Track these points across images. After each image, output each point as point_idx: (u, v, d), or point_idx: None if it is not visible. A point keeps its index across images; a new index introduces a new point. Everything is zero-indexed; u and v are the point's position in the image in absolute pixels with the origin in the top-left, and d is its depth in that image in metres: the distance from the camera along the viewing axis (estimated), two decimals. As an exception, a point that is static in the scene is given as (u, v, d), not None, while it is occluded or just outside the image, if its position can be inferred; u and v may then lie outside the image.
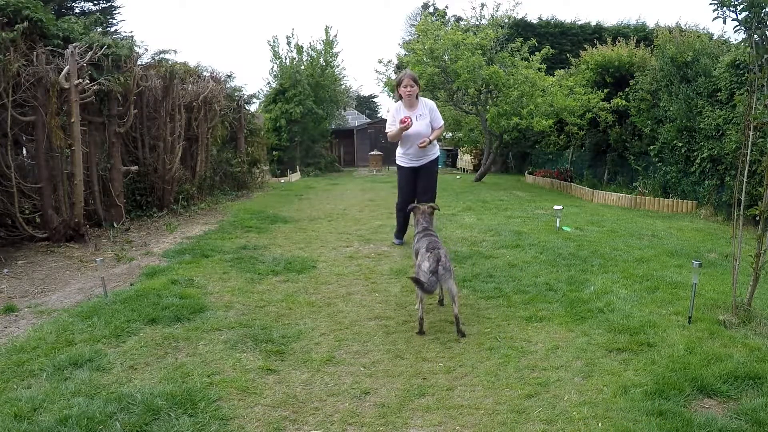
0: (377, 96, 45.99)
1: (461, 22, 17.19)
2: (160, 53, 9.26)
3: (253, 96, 18.48)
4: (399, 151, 6.00)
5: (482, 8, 15.34)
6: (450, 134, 19.57)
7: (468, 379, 2.95)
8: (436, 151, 5.99)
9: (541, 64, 13.89)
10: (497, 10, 14.97)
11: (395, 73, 16.71)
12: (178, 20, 73.37)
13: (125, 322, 3.65)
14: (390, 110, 5.96)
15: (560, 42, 18.60)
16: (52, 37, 6.16)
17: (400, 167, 6.02)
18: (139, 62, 7.74)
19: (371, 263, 5.49)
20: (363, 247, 6.28)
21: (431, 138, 5.73)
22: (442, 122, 5.93)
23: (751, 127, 3.79)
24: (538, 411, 2.60)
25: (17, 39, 5.58)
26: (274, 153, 20.38)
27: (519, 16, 18.05)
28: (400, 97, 5.77)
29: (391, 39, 79.63)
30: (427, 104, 5.81)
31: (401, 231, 6.35)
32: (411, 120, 5.59)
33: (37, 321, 3.78)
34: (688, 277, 4.67)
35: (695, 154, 9.27)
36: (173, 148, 8.56)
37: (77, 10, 21.52)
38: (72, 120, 6.04)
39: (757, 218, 3.73)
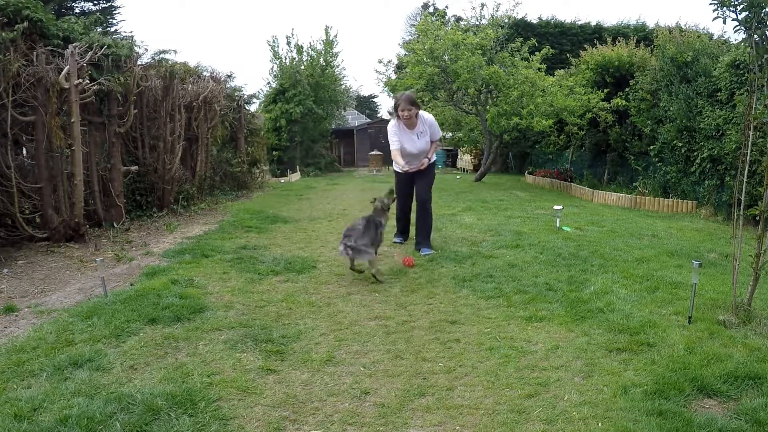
0: (377, 96, 46.06)
1: (461, 22, 17.20)
2: (160, 53, 9.29)
3: (253, 96, 18.48)
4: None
5: (482, 8, 15.35)
6: (450, 134, 19.58)
7: (468, 379, 2.95)
8: (433, 158, 6.04)
9: (541, 64, 13.88)
10: (497, 10, 14.97)
11: (395, 73, 16.71)
12: (178, 20, 73.39)
13: (125, 322, 3.65)
14: (390, 127, 5.85)
15: (560, 42, 18.59)
16: (52, 37, 6.16)
17: (397, 173, 6.06)
18: (139, 62, 7.74)
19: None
20: (363, 247, 6.28)
21: (429, 155, 5.84)
22: (440, 135, 6.01)
23: (751, 127, 3.79)
24: (538, 411, 2.60)
25: (17, 39, 5.58)
26: (274, 153, 20.38)
27: (519, 16, 18.05)
28: (398, 117, 5.68)
29: (391, 39, 79.63)
30: (425, 120, 5.78)
31: (402, 231, 6.42)
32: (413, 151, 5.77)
33: (37, 321, 3.78)
34: (688, 277, 4.67)
35: (695, 154, 9.27)
36: (173, 148, 8.56)
37: (77, 10, 21.53)
38: (72, 120, 6.04)
39: (757, 218, 3.73)
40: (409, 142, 5.75)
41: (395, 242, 6.35)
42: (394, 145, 5.74)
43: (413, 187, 6.04)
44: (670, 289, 4.41)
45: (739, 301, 3.77)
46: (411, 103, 5.59)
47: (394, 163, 6.04)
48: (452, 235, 6.79)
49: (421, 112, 5.81)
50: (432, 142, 5.87)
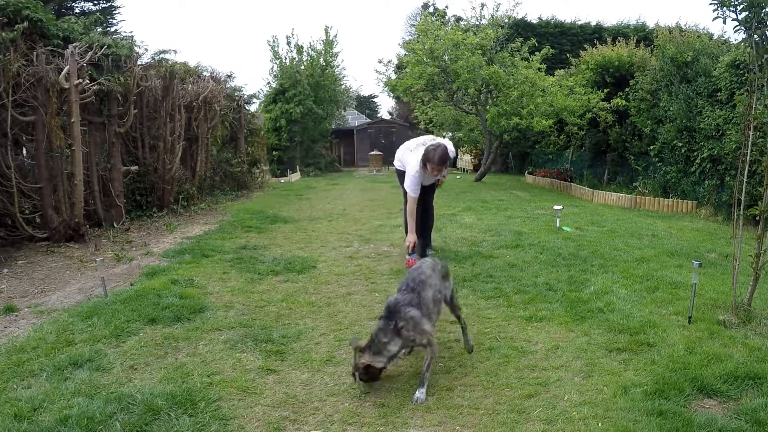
0: (377, 96, 45.94)
1: (461, 22, 17.20)
2: (160, 53, 9.29)
3: (253, 96, 18.48)
4: (415, 174, 5.43)
5: (482, 8, 15.34)
6: (450, 134, 19.59)
7: (468, 379, 2.95)
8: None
9: (541, 64, 13.89)
10: (497, 10, 14.98)
11: (395, 73, 16.71)
12: (178, 20, 73.31)
13: (125, 322, 3.65)
14: (413, 173, 5.31)
15: (560, 42, 18.58)
16: (52, 37, 6.16)
17: (400, 171, 5.65)
18: (139, 62, 7.74)
19: (371, 263, 5.49)
20: (363, 247, 6.28)
21: (445, 174, 5.54)
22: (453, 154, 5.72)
23: (751, 127, 3.79)
24: (538, 411, 2.60)
25: (17, 39, 5.58)
26: (274, 153, 20.37)
27: (519, 16, 18.03)
28: (424, 165, 5.21)
29: (391, 39, 79.43)
30: (450, 156, 5.36)
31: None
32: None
33: (37, 321, 3.78)
34: (688, 277, 4.67)
35: (695, 154, 9.27)
36: (173, 148, 8.56)
37: (77, 10, 21.50)
38: (72, 120, 6.04)
39: (757, 218, 3.73)
40: (429, 180, 5.47)
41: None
42: (413, 193, 5.35)
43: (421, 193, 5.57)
44: (670, 289, 4.41)
45: (739, 301, 3.77)
46: (443, 164, 5.18)
47: (395, 160, 5.75)
48: (452, 235, 6.79)
49: (449, 146, 5.40)
50: None
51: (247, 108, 13.73)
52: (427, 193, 5.75)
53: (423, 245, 5.81)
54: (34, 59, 5.78)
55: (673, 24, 16.29)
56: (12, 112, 5.62)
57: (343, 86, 24.52)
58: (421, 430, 2.48)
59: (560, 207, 7.35)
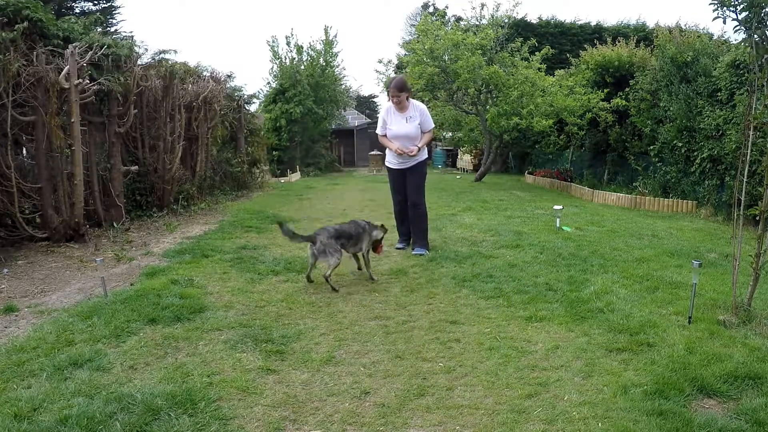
0: (377, 96, 45.90)
1: (461, 22, 17.21)
2: (160, 53, 9.27)
3: (253, 96, 18.45)
4: (389, 153, 6.06)
5: (482, 8, 15.36)
6: (450, 134, 19.59)
7: (468, 379, 2.95)
8: (424, 154, 6.01)
9: (541, 64, 13.90)
10: (497, 10, 14.99)
11: (395, 73, 16.71)
12: (178, 20, 73.37)
13: (125, 322, 3.65)
14: (381, 111, 6.12)
15: (560, 42, 18.61)
16: (52, 37, 6.16)
17: (389, 169, 6.10)
18: (139, 62, 7.73)
19: (371, 263, 5.48)
20: (363, 247, 6.26)
21: (420, 145, 5.82)
22: (432, 126, 6.01)
23: (751, 127, 3.79)
24: (538, 411, 2.60)
25: (17, 39, 5.57)
26: (274, 153, 20.37)
27: (519, 16, 18.08)
28: (390, 99, 5.91)
29: (391, 39, 79.60)
30: (417, 107, 5.89)
31: (404, 234, 6.17)
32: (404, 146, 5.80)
33: (37, 321, 3.78)
34: (688, 277, 4.68)
35: (695, 154, 9.27)
36: (173, 148, 8.56)
37: (77, 10, 21.51)
38: (72, 120, 6.04)
39: (757, 218, 3.73)
40: (398, 124, 5.85)
41: (397, 248, 6.07)
42: (379, 131, 6.00)
43: (405, 183, 5.97)
44: (670, 289, 4.41)
45: (739, 301, 3.77)
46: (399, 90, 5.73)
47: (386, 161, 6.13)
48: (452, 235, 6.79)
49: (414, 101, 5.97)
50: (424, 132, 5.88)
51: (247, 108, 13.72)
52: (407, 180, 5.95)
53: (403, 239, 6.20)
54: (34, 59, 5.77)
55: (673, 24, 16.29)
56: (12, 112, 5.61)
57: (343, 86, 24.53)
58: (421, 430, 2.48)
59: (560, 207, 7.36)
